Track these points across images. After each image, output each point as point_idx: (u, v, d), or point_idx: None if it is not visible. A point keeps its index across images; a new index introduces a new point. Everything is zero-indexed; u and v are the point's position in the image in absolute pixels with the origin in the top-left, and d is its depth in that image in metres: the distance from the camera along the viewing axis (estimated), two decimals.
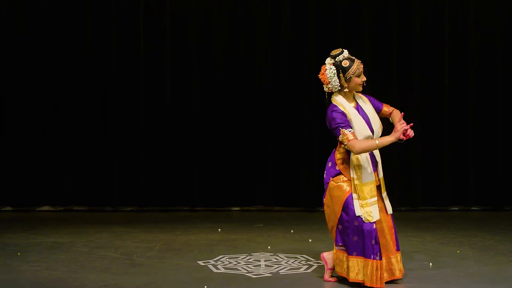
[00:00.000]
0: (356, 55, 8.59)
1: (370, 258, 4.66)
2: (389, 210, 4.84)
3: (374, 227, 4.69)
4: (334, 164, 4.85)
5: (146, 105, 8.51)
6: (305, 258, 5.66)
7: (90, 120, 8.48)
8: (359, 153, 4.67)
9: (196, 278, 5.03)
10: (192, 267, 5.38)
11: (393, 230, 4.85)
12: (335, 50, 4.94)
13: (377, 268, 4.67)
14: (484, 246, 6.23)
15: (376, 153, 4.85)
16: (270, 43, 8.51)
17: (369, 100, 4.96)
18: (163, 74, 8.52)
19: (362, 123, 4.75)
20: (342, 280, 4.89)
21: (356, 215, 4.71)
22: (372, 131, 4.78)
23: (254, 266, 5.41)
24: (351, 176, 4.76)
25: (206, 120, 8.50)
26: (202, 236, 6.75)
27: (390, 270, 4.80)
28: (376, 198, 4.74)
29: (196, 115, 8.51)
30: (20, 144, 8.45)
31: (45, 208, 8.57)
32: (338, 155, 4.88)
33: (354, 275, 4.72)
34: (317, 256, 5.65)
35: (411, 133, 4.70)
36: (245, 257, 5.72)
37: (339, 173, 4.82)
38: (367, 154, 4.77)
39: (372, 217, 4.69)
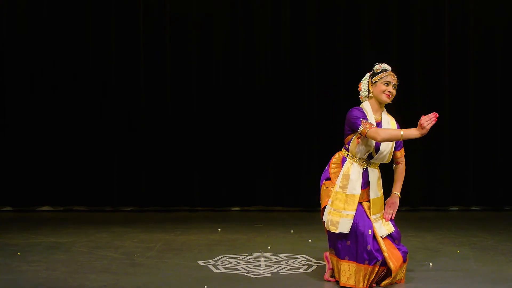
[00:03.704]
0: (356, 55, 8.64)
1: (363, 264, 4.63)
2: (379, 232, 4.72)
3: (370, 233, 4.66)
4: (329, 167, 4.88)
5: (146, 105, 8.51)
6: (305, 258, 5.66)
7: (90, 120, 8.49)
8: (383, 140, 4.60)
9: (196, 278, 5.02)
10: (192, 267, 5.38)
11: (394, 245, 4.76)
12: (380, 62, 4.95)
13: (370, 273, 4.65)
14: (484, 246, 6.23)
15: (373, 173, 4.79)
16: (270, 43, 8.51)
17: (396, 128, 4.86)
18: (163, 74, 8.53)
19: None
20: None
21: (322, 219, 4.73)
22: (377, 150, 4.74)
23: (254, 266, 5.41)
24: (336, 182, 4.75)
25: (206, 120, 8.50)
26: (202, 236, 6.75)
27: (394, 278, 4.76)
28: (353, 213, 4.65)
29: (196, 115, 8.51)
30: (20, 144, 8.46)
31: (45, 208, 8.57)
32: (334, 159, 4.88)
33: (345, 280, 4.68)
34: (317, 256, 5.66)
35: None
36: (245, 257, 5.71)
37: (330, 178, 4.83)
38: (360, 169, 4.74)
39: (335, 227, 4.65)
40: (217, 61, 8.53)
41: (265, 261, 5.57)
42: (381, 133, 4.60)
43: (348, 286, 4.68)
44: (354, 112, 4.76)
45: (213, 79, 8.53)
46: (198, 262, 5.54)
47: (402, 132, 4.58)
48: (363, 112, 4.77)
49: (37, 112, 8.47)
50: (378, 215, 4.79)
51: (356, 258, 4.65)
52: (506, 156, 8.48)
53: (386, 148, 4.76)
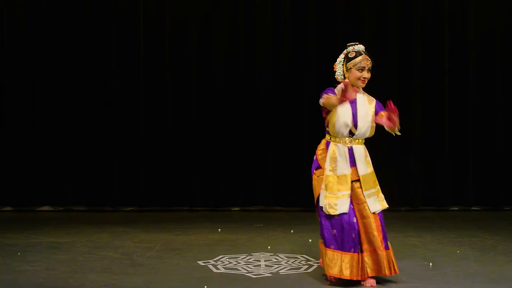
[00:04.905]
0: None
1: (350, 252, 4.66)
2: (372, 208, 4.74)
3: (355, 220, 4.69)
4: (316, 156, 4.93)
5: (146, 106, 8.52)
6: (305, 258, 5.66)
7: (90, 121, 8.49)
8: (322, 103, 4.80)
9: (196, 278, 5.03)
10: (192, 267, 5.38)
11: (381, 228, 4.75)
12: (353, 42, 4.94)
13: (357, 262, 4.67)
14: (484, 246, 6.23)
15: (358, 150, 4.81)
16: (270, 43, 8.51)
17: (375, 104, 4.89)
18: (163, 74, 8.53)
19: (348, 112, 4.78)
20: (342, 280, 4.89)
21: (319, 205, 4.77)
22: (355, 125, 4.77)
23: (254, 266, 5.41)
24: (325, 167, 4.79)
25: (206, 120, 8.50)
26: (202, 236, 6.75)
27: (378, 266, 4.73)
28: (348, 192, 4.71)
29: (196, 115, 8.51)
30: (21, 144, 8.46)
31: (45, 208, 8.57)
32: (320, 146, 4.94)
33: (330, 268, 4.70)
34: (317, 256, 5.65)
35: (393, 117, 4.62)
36: (245, 257, 5.72)
37: (320, 167, 4.87)
38: (345, 149, 4.78)
39: (334, 209, 4.68)
40: (217, 61, 8.53)
41: (265, 261, 5.57)
42: (324, 97, 4.77)
43: (333, 275, 4.71)
44: (325, 90, 4.85)
45: (213, 79, 8.53)
46: (198, 262, 5.55)
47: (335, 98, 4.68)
48: (334, 91, 4.83)
49: (37, 112, 8.47)
50: (373, 190, 4.79)
51: (342, 246, 4.67)
52: (506, 156, 8.48)
53: (365, 122, 4.78)
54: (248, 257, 5.72)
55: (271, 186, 8.52)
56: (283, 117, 8.51)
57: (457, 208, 8.55)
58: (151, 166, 8.52)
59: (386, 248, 4.76)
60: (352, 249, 4.66)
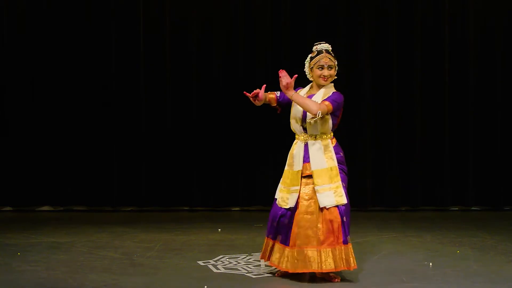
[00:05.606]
0: (356, 54, 8.62)
1: (268, 237, 4.97)
2: (322, 203, 4.79)
3: (281, 212, 4.90)
4: None
5: (146, 106, 8.51)
6: None
7: (90, 121, 8.48)
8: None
9: (196, 278, 5.03)
10: (192, 267, 5.38)
11: (333, 223, 4.76)
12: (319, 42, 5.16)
13: (271, 247, 4.93)
14: (484, 246, 6.23)
15: (313, 146, 4.91)
16: (270, 43, 8.51)
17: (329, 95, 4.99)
18: (163, 74, 8.53)
19: (299, 108, 4.99)
20: (343, 279, 4.90)
21: (275, 197, 5.01)
22: (304, 117, 4.94)
23: (254, 266, 5.41)
24: (287, 162, 5.03)
25: (206, 120, 8.50)
26: (202, 236, 6.75)
27: (304, 262, 4.77)
28: (297, 187, 4.88)
29: (196, 115, 8.51)
30: (21, 144, 8.46)
31: (45, 208, 8.57)
32: None
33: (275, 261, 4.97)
34: None
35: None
36: (245, 257, 5.72)
37: None
38: (302, 145, 4.95)
39: (286, 203, 4.90)
40: (217, 61, 8.53)
41: (265, 261, 5.57)
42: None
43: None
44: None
45: (213, 79, 8.53)
46: (198, 262, 5.55)
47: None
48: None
49: (37, 112, 8.47)
50: (327, 185, 4.83)
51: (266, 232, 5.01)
52: (506, 156, 8.48)
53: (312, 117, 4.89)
54: (248, 257, 5.72)
55: (271, 186, 8.49)
56: (283, 117, 8.49)
57: (457, 208, 8.55)
58: (151, 166, 8.52)
59: (345, 242, 4.79)
60: (271, 235, 4.96)
